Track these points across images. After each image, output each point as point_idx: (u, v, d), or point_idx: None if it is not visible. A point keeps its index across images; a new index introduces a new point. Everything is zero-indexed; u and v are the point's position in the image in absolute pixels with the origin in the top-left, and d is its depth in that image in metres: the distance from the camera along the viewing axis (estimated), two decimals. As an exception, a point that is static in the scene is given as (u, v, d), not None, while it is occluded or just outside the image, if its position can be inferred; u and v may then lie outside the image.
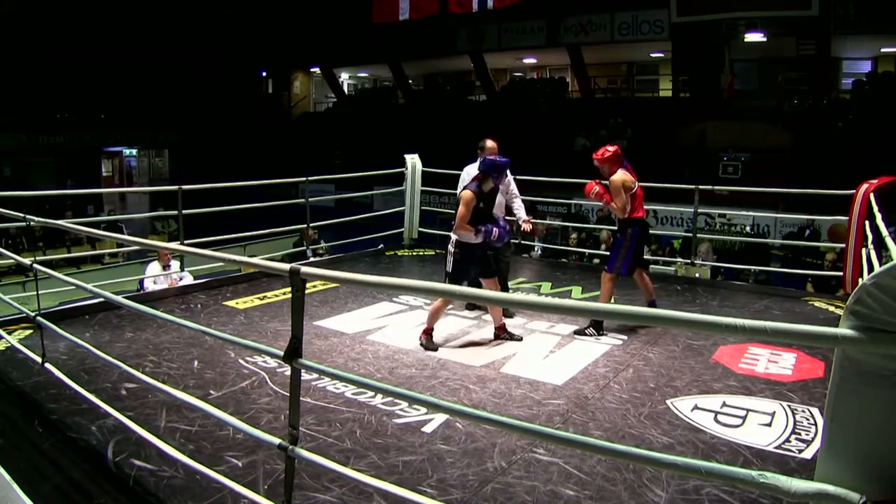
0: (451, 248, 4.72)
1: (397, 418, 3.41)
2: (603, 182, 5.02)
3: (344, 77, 27.34)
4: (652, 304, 5.21)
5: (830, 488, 1.30)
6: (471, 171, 5.82)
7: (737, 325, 1.38)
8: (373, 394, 3.67)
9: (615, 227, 5.46)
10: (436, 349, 4.61)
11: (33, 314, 3.86)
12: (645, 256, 8.72)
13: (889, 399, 1.26)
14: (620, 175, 4.89)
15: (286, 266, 2.20)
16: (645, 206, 5.17)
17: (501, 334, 4.81)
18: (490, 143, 5.66)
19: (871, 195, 4.93)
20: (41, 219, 4.28)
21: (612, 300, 5.25)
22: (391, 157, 8.58)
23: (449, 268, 4.74)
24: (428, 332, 4.69)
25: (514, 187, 5.88)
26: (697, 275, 7.93)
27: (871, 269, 4.51)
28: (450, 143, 17.68)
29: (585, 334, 4.85)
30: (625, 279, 5.20)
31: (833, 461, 1.35)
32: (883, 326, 1.22)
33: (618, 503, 2.67)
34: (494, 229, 4.64)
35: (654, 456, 1.65)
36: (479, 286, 4.80)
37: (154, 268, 6.92)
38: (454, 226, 4.72)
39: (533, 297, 1.92)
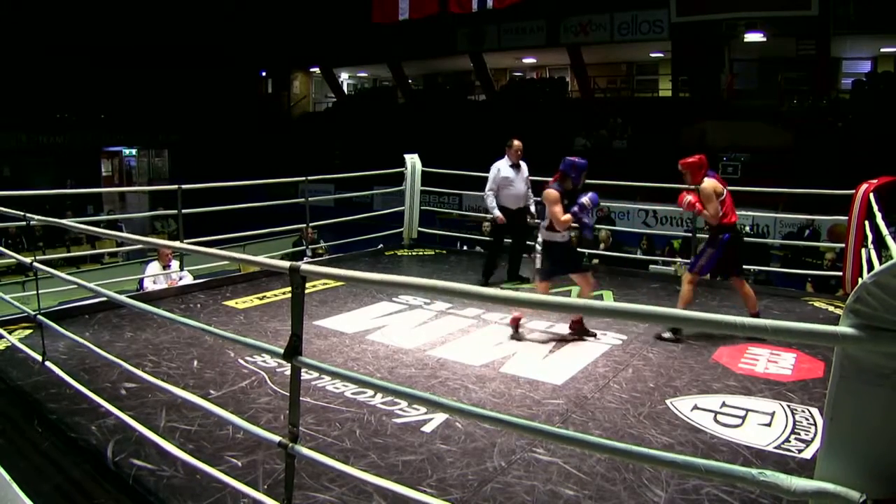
0: (538, 247, 4.89)
1: (397, 418, 3.41)
2: (692, 189, 4.96)
3: (344, 77, 27.33)
4: (755, 317, 5.00)
5: (830, 486, 1.30)
6: (501, 167, 6.43)
7: (737, 324, 1.38)
8: (372, 393, 3.67)
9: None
10: (521, 339, 4.77)
11: (33, 313, 3.87)
12: (645, 256, 8.75)
13: (889, 398, 1.26)
14: (710, 182, 4.81)
15: (286, 264, 2.20)
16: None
17: (576, 329, 4.87)
18: (517, 143, 6.45)
19: (871, 195, 4.93)
20: (41, 217, 4.28)
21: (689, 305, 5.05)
22: (391, 156, 8.59)
23: (538, 265, 4.92)
24: (517, 321, 4.87)
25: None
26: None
27: (870, 268, 4.51)
28: (450, 142, 17.77)
29: (663, 338, 4.76)
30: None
31: (833, 459, 1.35)
32: (883, 325, 1.22)
33: (617, 503, 2.67)
34: (583, 199, 4.74)
35: (655, 454, 1.65)
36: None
37: (154, 267, 6.92)
38: (543, 226, 4.88)
39: (538, 296, 1.92)
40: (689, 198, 4.97)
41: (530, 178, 6.62)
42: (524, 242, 6.69)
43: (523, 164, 6.52)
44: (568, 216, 4.70)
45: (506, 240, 6.73)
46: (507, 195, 6.44)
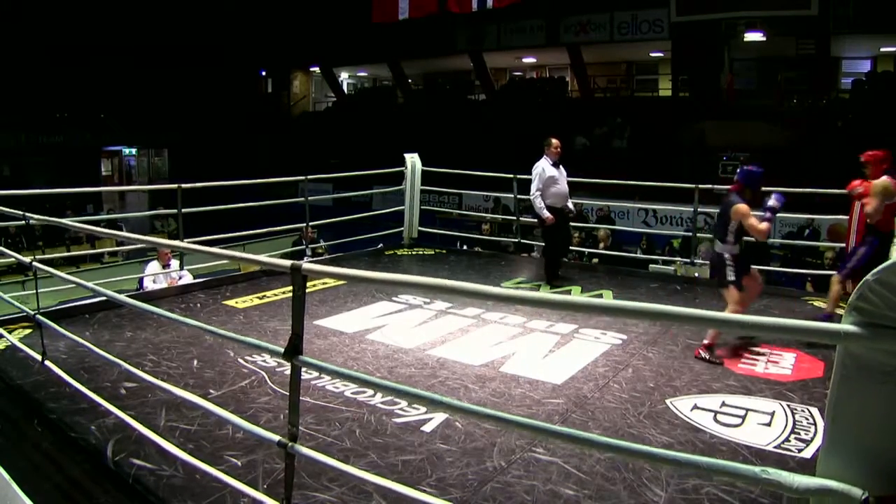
0: (728, 262, 4.59)
1: (396, 417, 3.41)
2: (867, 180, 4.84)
3: (343, 76, 27.32)
4: (828, 318, 4.90)
5: (832, 484, 1.30)
6: (544, 166, 6.36)
7: (739, 322, 1.38)
8: (372, 393, 3.67)
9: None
10: (721, 362, 4.32)
11: (33, 313, 3.86)
12: (645, 256, 8.74)
13: (891, 395, 1.26)
14: (886, 180, 4.64)
15: (287, 263, 2.20)
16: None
17: (706, 350, 4.40)
18: (555, 141, 6.46)
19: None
20: (40, 216, 4.27)
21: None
22: (391, 156, 8.58)
23: (731, 277, 4.60)
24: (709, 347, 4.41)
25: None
26: (697, 274, 7.92)
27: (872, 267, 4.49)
28: (450, 142, 17.76)
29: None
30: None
31: (835, 457, 1.35)
32: (885, 322, 1.22)
33: (617, 502, 2.66)
34: (771, 202, 4.57)
35: (657, 452, 1.64)
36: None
37: (153, 267, 6.92)
38: (728, 241, 4.60)
39: (539, 295, 1.92)
40: (860, 188, 4.87)
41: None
42: (569, 243, 6.71)
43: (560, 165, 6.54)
44: (766, 224, 4.46)
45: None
46: (555, 193, 6.40)
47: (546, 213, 6.36)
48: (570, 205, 6.63)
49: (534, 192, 6.41)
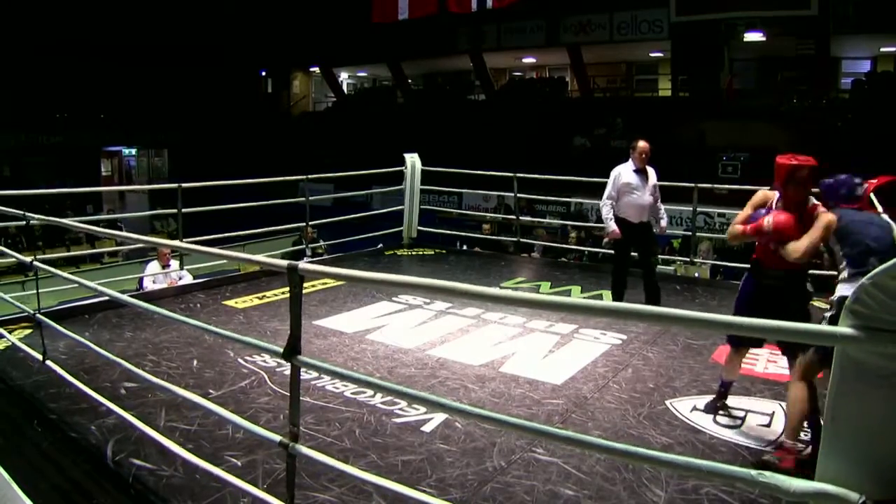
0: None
1: (396, 418, 3.41)
2: None
3: (343, 77, 27.31)
4: None
5: (830, 488, 1.30)
6: (622, 171, 5.52)
7: (737, 324, 1.38)
8: (372, 393, 3.67)
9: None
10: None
11: (33, 312, 3.86)
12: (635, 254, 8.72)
13: (888, 398, 1.26)
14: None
15: (284, 263, 2.20)
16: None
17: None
18: (642, 144, 5.49)
19: (872, 195, 4.92)
20: (41, 216, 4.27)
21: None
22: (390, 156, 8.58)
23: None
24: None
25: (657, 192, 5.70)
26: (697, 274, 7.93)
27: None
28: (449, 142, 17.76)
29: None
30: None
31: (833, 461, 1.35)
32: (881, 325, 1.22)
33: (617, 503, 2.67)
34: None
35: (654, 455, 1.65)
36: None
37: (153, 267, 6.92)
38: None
39: (539, 296, 1.92)
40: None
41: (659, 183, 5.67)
42: (653, 264, 5.75)
43: (651, 171, 5.57)
44: None
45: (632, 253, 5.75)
46: (628, 204, 5.50)
47: (612, 226, 5.50)
48: (663, 223, 5.65)
49: (603, 199, 5.59)
